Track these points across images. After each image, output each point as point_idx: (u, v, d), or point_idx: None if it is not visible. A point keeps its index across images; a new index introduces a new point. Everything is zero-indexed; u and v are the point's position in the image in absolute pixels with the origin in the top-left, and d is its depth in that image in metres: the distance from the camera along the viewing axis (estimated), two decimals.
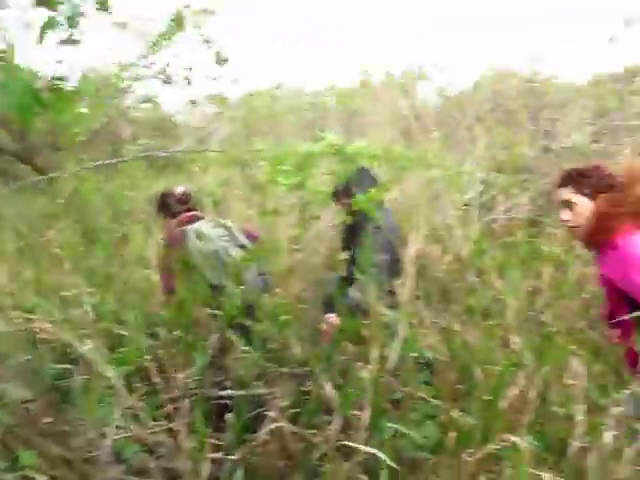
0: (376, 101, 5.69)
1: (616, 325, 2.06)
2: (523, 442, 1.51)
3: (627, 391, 1.74)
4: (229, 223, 2.80)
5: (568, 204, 2.13)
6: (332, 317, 2.50)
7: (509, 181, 4.04)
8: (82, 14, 1.49)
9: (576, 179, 2.13)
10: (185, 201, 2.95)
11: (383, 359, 1.95)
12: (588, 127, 4.23)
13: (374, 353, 1.59)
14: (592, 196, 2.10)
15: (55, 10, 1.46)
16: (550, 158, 4.13)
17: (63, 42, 1.44)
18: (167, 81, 4.50)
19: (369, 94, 5.98)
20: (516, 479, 1.57)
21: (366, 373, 1.56)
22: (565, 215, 2.15)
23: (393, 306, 2.38)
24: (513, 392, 1.63)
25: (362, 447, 1.53)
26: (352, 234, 2.60)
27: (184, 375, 2.11)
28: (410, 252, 1.70)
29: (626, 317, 1.95)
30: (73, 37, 1.41)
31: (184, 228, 2.75)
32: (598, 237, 2.08)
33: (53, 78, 1.46)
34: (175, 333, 2.24)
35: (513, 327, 2.03)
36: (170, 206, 2.94)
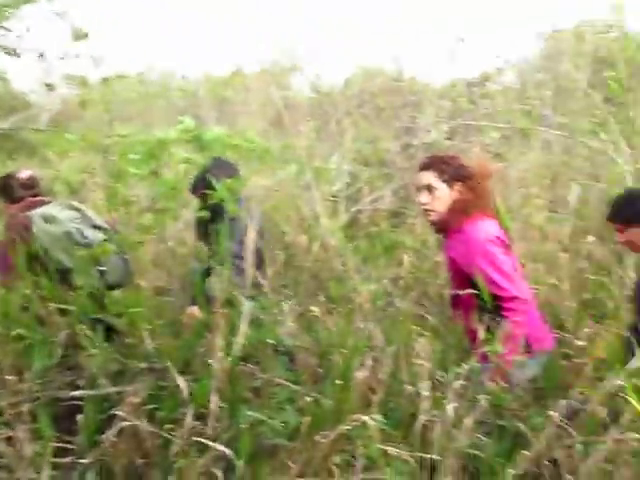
0: (249, 91, 5.64)
1: (459, 306, 2.24)
2: (372, 421, 1.58)
3: (466, 367, 1.89)
4: (80, 205, 2.60)
5: (428, 188, 2.28)
6: (194, 309, 2.44)
7: (374, 174, 4.23)
8: None
9: (438, 165, 2.28)
10: (31, 186, 2.68)
11: (244, 347, 1.95)
12: (444, 125, 4.57)
13: (219, 342, 1.57)
14: (450, 183, 2.26)
15: None
16: (410, 153, 4.40)
17: None
18: (14, 54, 4.07)
19: (242, 83, 5.91)
20: (367, 456, 1.64)
21: (215, 363, 1.54)
22: (424, 198, 2.29)
23: (256, 295, 2.39)
24: (364, 373, 1.70)
25: (210, 443, 1.50)
26: (209, 225, 2.55)
27: (26, 377, 1.93)
28: (249, 240, 1.69)
29: (463, 295, 2.12)
30: None
31: (28, 213, 2.50)
32: (452, 222, 2.24)
33: None
34: (18, 331, 2.04)
35: (369, 312, 2.12)
36: (13, 190, 2.65)
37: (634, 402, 1.49)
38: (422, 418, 1.79)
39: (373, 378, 1.87)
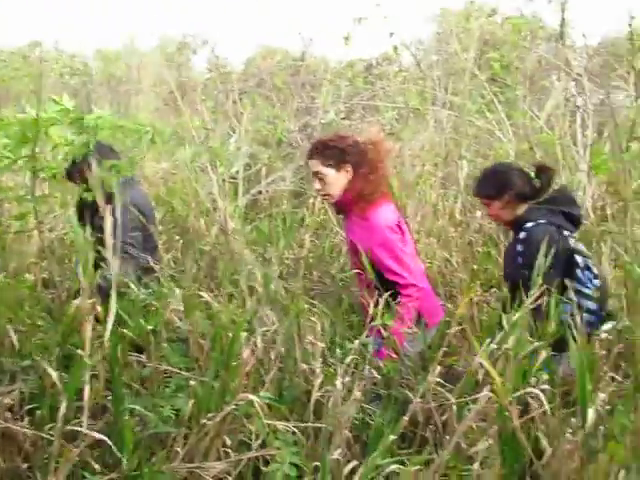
0: (143, 69, 5.39)
1: (360, 282, 2.30)
2: (258, 399, 1.59)
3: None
4: None
5: (318, 175, 2.28)
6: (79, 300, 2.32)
7: (273, 155, 4.20)
8: None
9: (321, 151, 2.27)
10: None
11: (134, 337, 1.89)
12: (341, 105, 4.62)
13: (88, 332, 1.50)
14: (337, 167, 2.26)
15: None
16: (309, 133, 4.41)
17: None
18: None
19: (136, 61, 5.64)
20: (257, 434, 1.66)
21: (85, 354, 1.48)
22: (317, 185, 2.30)
23: (149, 283, 2.31)
24: (248, 352, 1.70)
25: (88, 431, 1.45)
26: (93, 213, 2.42)
27: None
28: (106, 225, 1.63)
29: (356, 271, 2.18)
30: None
31: None
32: (354, 208, 2.26)
33: None
34: None
35: (263, 294, 2.12)
36: None
37: (489, 367, 1.61)
38: (315, 394, 1.83)
39: (265, 357, 1.89)
